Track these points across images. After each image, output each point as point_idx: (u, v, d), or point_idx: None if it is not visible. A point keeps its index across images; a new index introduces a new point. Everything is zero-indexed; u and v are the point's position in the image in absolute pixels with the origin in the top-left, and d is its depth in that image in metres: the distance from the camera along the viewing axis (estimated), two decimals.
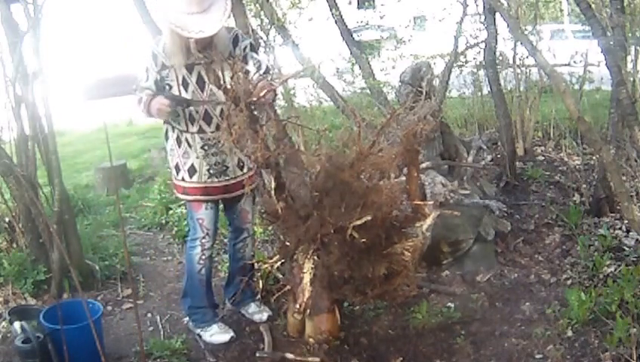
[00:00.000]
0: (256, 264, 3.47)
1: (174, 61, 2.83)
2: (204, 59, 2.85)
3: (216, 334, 3.15)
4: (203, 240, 3.08)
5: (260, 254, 3.82)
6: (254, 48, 3.04)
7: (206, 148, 2.96)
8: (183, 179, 3.03)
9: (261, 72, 2.90)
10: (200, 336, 3.18)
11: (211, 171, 3.00)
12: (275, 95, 2.90)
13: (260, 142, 2.59)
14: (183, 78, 2.87)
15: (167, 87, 2.88)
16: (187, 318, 3.32)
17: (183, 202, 4.72)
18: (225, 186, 3.05)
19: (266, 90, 2.65)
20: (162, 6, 2.79)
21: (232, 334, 3.15)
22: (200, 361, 3.02)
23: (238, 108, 2.54)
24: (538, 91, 6.20)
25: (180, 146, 3.00)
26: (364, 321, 3.24)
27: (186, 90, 2.88)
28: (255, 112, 2.63)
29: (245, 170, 3.08)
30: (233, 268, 3.37)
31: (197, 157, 2.98)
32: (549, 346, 2.92)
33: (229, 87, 2.58)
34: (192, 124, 2.93)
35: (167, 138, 3.07)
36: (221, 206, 3.20)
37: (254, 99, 2.58)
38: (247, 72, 2.69)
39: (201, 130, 2.93)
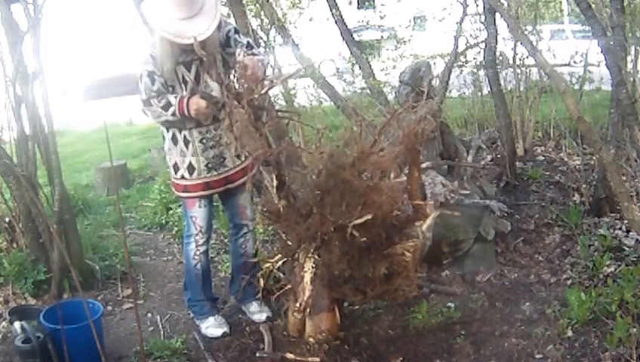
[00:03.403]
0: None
1: (166, 66, 2.85)
2: (199, 56, 2.87)
3: (211, 327, 3.20)
4: (196, 237, 3.14)
5: (261, 254, 3.82)
6: (238, 31, 3.06)
7: (204, 141, 2.99)
8: (182, 177, 3.06)
9: (244, 48, 2.92)
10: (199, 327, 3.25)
11: (209, 165, 3.03)
12: (265, 70, 2.92)
13: (261, 139, 2.61)
14: (183, 76, 2.90)
15: (171, 88, 2.92)
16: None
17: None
18: (225, 178, 3.08)
19: (267, 88, 2.68)
20: (152, 12, 2.81)
21: (224, 329, 3.19)
22: (200, 361, 3.02)
23: (239, 106, 2.56)
24: (538, 91, 6.19)
25: (176, 145, 3.04)
26: (364, 321, 3.24)
27: (186, 88, 2.92)
28: (259, 110, 2.66)
29: (243, 158, 3.10)
30: (236, 264, 3.41)
31: (193, 155, 3.01)
32: (549, 346, 2.92)
33: (230, 84, 2.60)
34: (191, 120, 2.95)
35: (163, 138, 3.10)
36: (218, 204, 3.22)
37: (255, 96, 2.61)
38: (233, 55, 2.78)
39: (198, 125, 2.97)
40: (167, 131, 3.04)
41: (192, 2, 2.76)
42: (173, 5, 2.74)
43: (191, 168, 3.03)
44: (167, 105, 2.88)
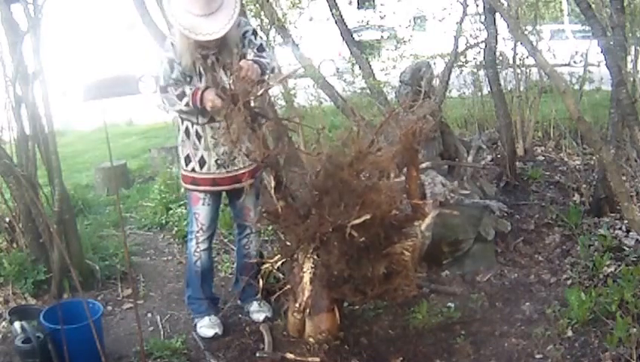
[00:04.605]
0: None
1: (184, 59, 2.89)
2: (214, 52, 2.91)
3: (204, 327, 3.21)
4: (197, 234, 3.17)
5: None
6: (255, 33, 3.09)
7: (216, 137, 3.01)
8: (193, 170, 3.09)
9: (255, 50, 2.97)
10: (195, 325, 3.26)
11: (219, 162, 3.05)
12: (262, 73, 2.93)
13: (258, 140, 2.61)
14: (199, 69, 2.94)
15: (189, 78, 2.96)
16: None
17: (183, 202, 4.73)
18: (234, 176, 3.09)
19: (263, 90, 2.69)
20: (171, 7, 2.84)
21: (216, 331, 3.19)
22: (200, 361, 3.02)
23: (236, 108, 2.56)
24: (538, 91, 6.20)
25: (188, 138, 3.07)
26: (364, 321, 3.24)
27: (201, 80, 2.96)
28: (256, 110, 2.66)
29: None
30: (239, 264, 3.43)
31: (205, 149, 3.04)
32: (549, 346, 2.92)
33: (226, 86, 2.61)
34: (204, 115, 2.98)
35: (178, 130, 3.14)
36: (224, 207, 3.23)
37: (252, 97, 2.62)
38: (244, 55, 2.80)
39: (211, 120, 2.99)
40: (182, 123, 3.08)
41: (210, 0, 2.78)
42: (191, 1, 2.77)
43: (202, 161, 3.06)
44: (182, 95, 2.92)
